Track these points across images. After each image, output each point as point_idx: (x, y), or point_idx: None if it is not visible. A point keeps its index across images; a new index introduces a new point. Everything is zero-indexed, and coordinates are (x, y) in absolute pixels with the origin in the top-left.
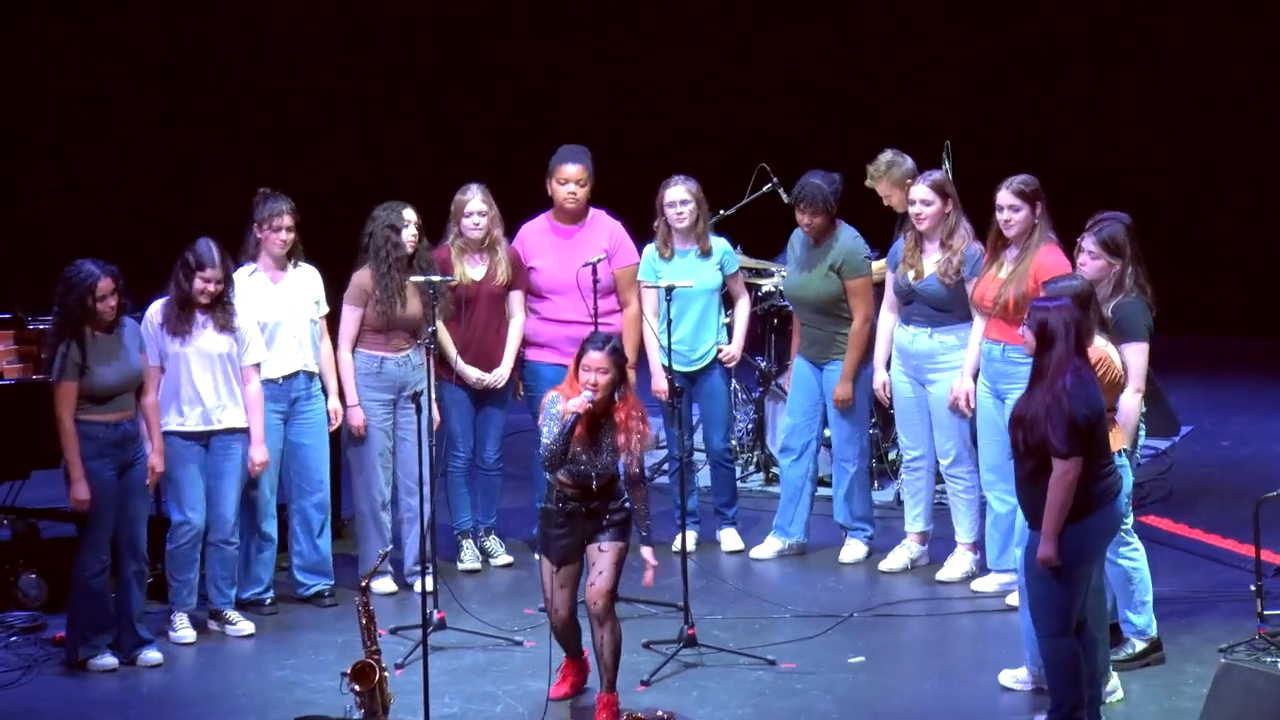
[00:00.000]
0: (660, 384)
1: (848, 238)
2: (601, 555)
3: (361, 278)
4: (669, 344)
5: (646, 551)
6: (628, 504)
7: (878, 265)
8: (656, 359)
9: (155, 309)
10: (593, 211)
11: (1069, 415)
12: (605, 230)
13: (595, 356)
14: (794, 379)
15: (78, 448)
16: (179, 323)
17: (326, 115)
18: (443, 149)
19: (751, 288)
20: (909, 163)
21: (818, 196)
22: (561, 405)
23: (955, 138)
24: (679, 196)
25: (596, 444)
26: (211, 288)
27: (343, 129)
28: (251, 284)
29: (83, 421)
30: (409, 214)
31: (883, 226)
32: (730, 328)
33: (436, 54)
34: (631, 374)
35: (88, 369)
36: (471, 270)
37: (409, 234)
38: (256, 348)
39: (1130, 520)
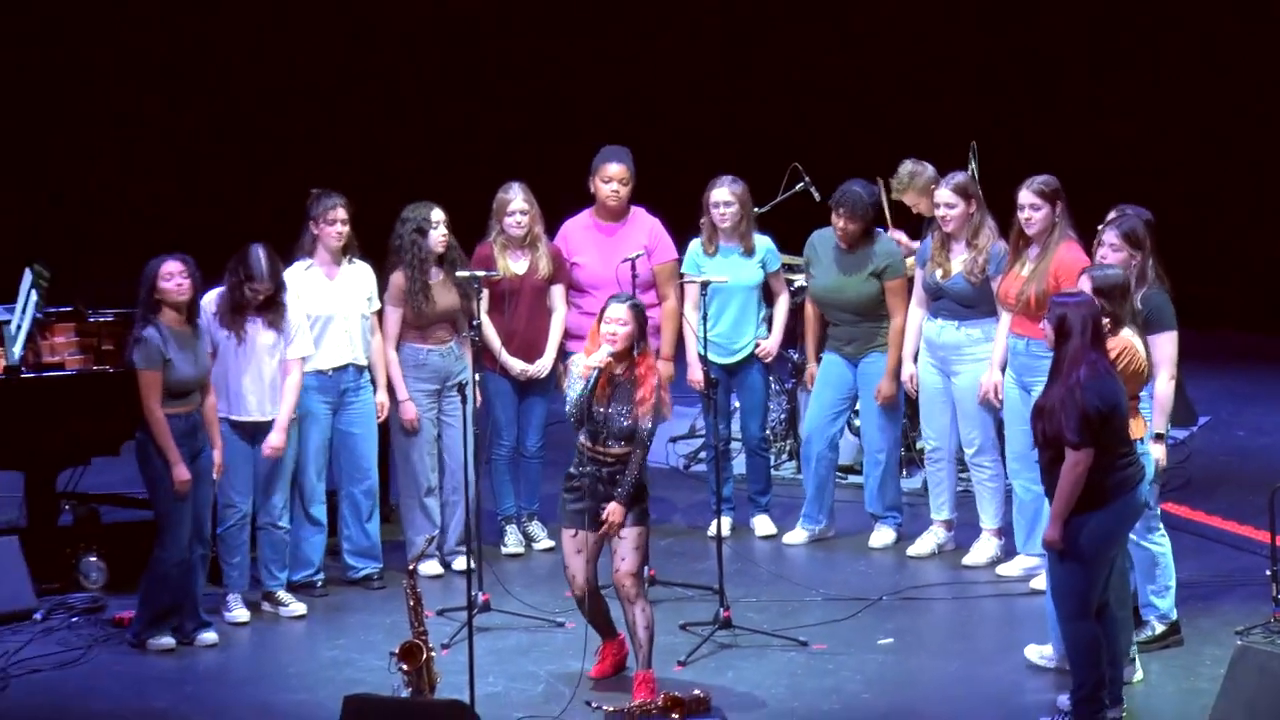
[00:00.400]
0: (696, 374)
1: (885, 242)
2: (622, 541)
3: (399, 278)
4: (704, 336)
5: (614, 507)
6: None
7: (908, 263)
8: (694, 350)
9: (210, 299)
10: (633, 209)
11: (1081, 407)
12: (645, 227)
13: (615, 309)
14: (822, 373)
15: (169, 433)
16: (233, 317)
17: (334, 118)
18: (457, 149)
19: (787, 283)
20: (930, 169)
21: (859, 204)
22: (584, 364)
23: (982, 139)
24: (723, 198)
25: (615, 401)
26: (261, 296)
27: (345, 132)
28: (307, 278)
29: None
30: (436, 215)
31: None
32: (770, 321)
33: (462, 55)
34: (670, 366)
35: (169, 361)
36: (514, 265)
37: (436, 235)
38: (303, 342)
39: (1157, 507)
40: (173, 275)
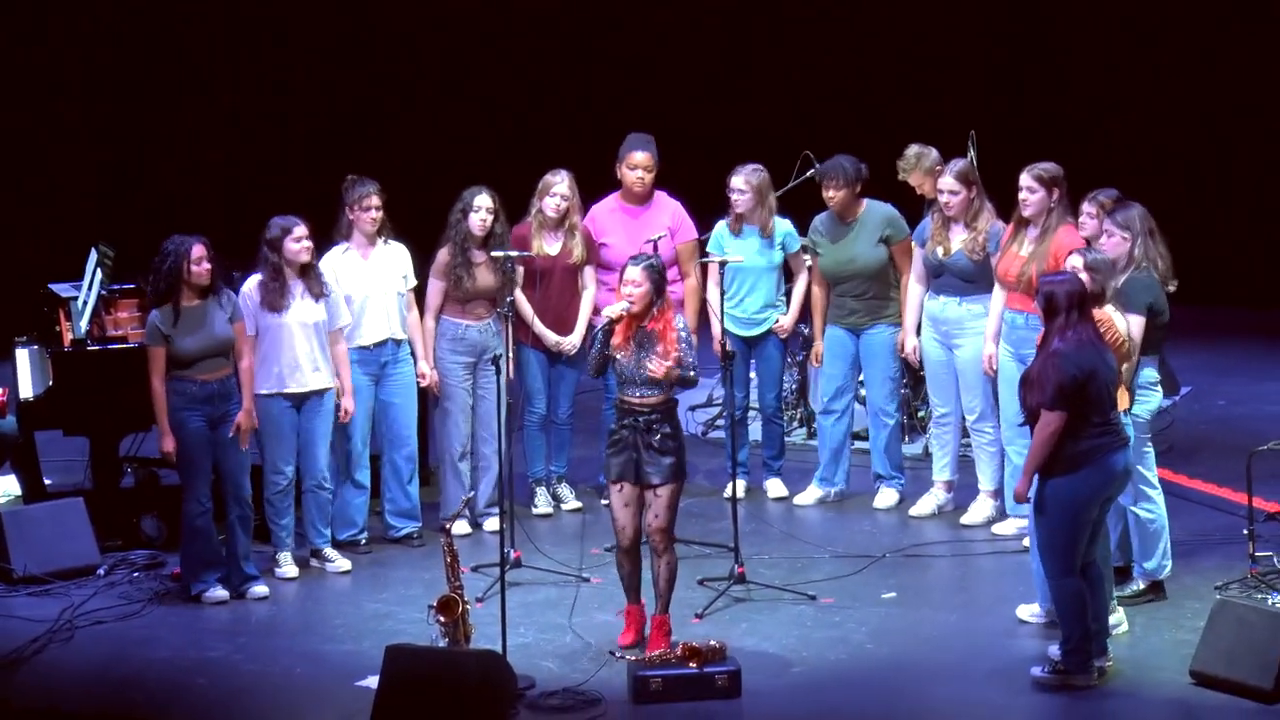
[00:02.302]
0: (717, 347)
1: (882, 207)
2: (657, 499)
3: (443, 253)
4: (722, 311)
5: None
6: (681, 436)
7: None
8: (716, 324)
9: (252, 286)
10: (656, 193)
11: (1058, 372)
12: (668, 210)
13: (631, 270)
14: (829, 347)
15: (164, 406)
16: (276, 297)
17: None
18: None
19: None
20: (934, 153)
21: (839, 167)
22: (603, 314)
23: (983, 128)
24: (738, 185)
25: (639, 351)
26: (305, 243)
27: (342, 127)
28: (345, 260)
29: (174, 379)
30: (480, 200)
31: (910, 209)
32: (790, 298)
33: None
34: (693, 337)
35: (170, 336)
36: (548, 246)
37: (477, 218)
38: (343, 313)
39: (1153, 475)
40: (202, 260)
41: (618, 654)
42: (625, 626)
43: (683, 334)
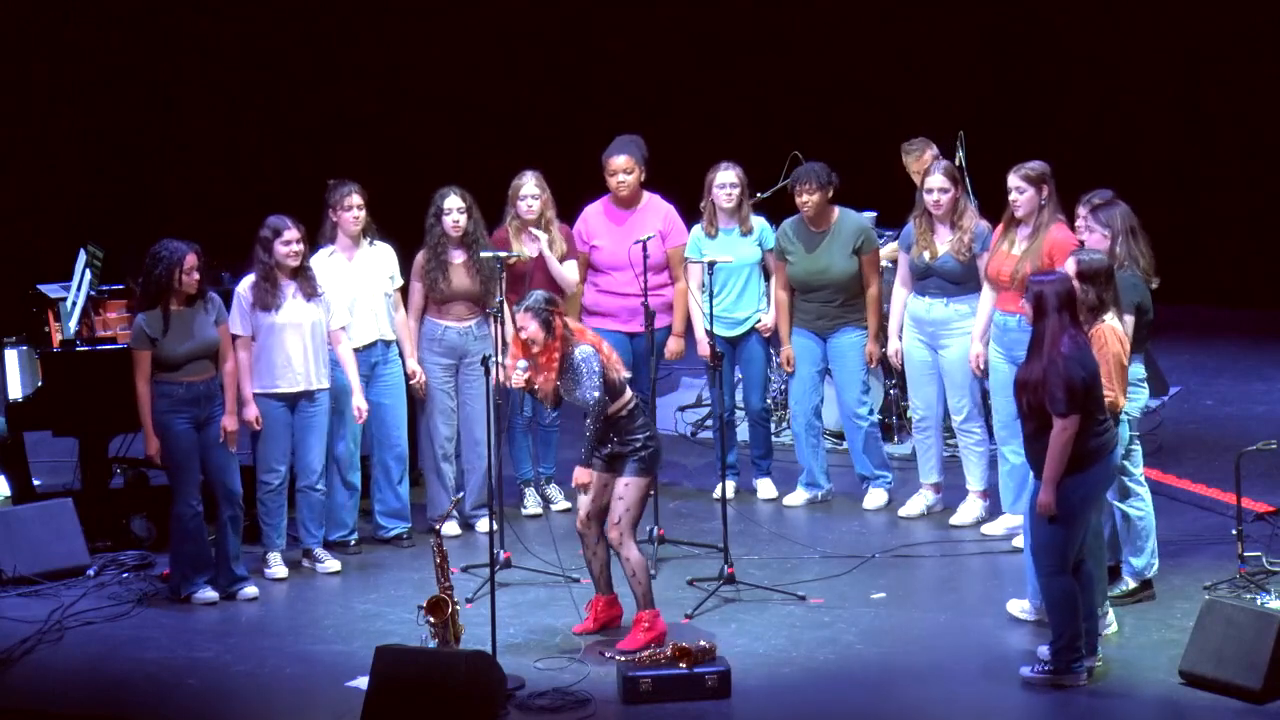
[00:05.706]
0: (704, 349)
1: (855, 217)
2: (615, 496)
3: (420, 256)
4: (710, 312)
5: (575, 471)
6: (650, 438)
7: (890, 248)
8: (701, 327)
9: (246, 286)
10: (647, 196)
11: (1066, 378)
12: (660, 213)
13: (518, 316)
14: (798, 351)
15: (149, 409)
16: (268, 296)
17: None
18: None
19: None
20: (933, 146)
21: (813, 172)
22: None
23: (981, 129)
24: (729, 180)
25: (562, 384)
26: (295, 247)
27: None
28: (331, 263)
29: (159, 381)
30: (449, 201)
31: (895, 210)
32: (770, 296)
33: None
34: (681, 341)
35: (156, 341)
36: (528, 248)
37: (449, 220)
38: (340, 314)
39: (1140, 472)
40: (193, 269)
41: (608, 654)
42: (588, 615)
43: (578, 363)
